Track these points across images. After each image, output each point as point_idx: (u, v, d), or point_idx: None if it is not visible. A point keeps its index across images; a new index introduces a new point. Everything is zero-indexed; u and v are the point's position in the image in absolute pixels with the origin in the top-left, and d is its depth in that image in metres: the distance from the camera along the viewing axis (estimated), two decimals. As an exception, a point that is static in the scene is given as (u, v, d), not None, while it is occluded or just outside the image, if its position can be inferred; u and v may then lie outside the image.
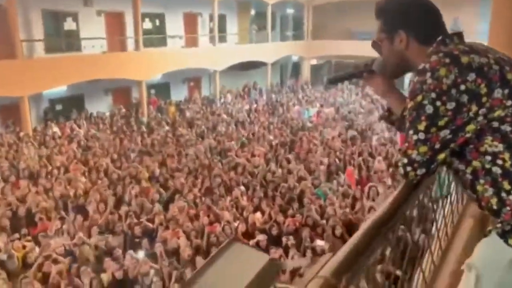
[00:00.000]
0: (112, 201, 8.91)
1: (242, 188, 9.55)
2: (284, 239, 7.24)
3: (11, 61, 13.39)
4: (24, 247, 7.34)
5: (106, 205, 8.73)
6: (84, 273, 6.40)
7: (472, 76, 1.26)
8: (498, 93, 1.26)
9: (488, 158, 1.30)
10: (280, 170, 10.65)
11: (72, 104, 17.03)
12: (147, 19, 19.15)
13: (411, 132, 1.32)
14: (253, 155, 11.75)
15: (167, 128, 14.79)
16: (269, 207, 8.42)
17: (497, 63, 1.30)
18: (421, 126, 1.30)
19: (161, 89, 20.38)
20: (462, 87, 1.25)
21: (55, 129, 14.35)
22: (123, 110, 17.33)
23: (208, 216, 8.14)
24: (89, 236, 7.77)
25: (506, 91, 1.27)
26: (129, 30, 17.86)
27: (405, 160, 1.34)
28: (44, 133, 13.99)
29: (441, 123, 1.28)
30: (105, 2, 17.36)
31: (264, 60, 23.24)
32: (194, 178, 10.18)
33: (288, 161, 11.12)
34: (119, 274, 6.24)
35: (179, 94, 21.03)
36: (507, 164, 1.28)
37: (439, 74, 1.27)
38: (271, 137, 13.64)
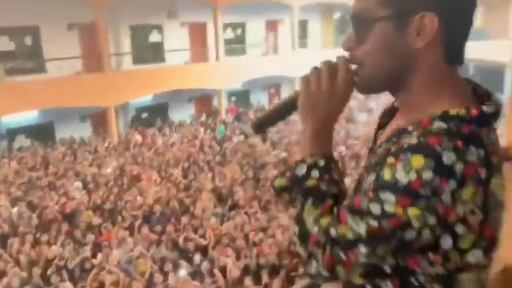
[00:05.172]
0: (178, 211, 9.16)
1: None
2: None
3: (98, 74, 14.53)
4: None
5: (172, 216, 8.96)
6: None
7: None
8: None
9: None
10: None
11: (157, 112, 17.98)
12: (229, 29, 19.61)
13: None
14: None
15: (239, 137, 14.87)
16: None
17: None
18: None
19: (242, 96, 20.68)
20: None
21: (137, 137, 15.23)
22: (203, 118, 17.85)
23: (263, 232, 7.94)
24: (149, 248, 8.01)
25: None
26: (211, 40, 18.38)
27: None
28: (128, 140, 14.90)
29: None
30: (189, 14, 18.00)
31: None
32: (254, 191, 10.04)
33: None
34: (163, 292, 6.34)
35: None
36: None
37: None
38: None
